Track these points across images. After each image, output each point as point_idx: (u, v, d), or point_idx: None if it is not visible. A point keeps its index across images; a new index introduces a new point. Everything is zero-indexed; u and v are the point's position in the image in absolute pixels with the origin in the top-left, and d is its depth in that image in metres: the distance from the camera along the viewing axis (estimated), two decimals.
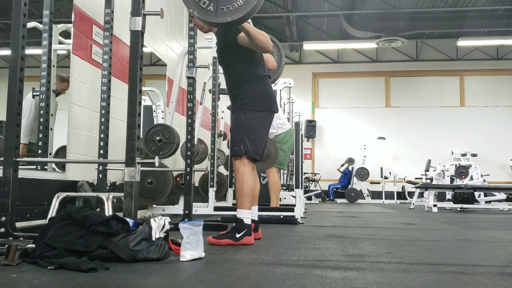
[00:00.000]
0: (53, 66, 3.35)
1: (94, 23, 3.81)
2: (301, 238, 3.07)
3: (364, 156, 11.78)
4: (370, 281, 1.63)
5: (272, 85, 3.33)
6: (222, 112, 6.45)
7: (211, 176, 4.42)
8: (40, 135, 3.24)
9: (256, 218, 2.95)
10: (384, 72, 13.48)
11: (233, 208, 3.83)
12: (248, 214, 2.68)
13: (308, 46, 12.70)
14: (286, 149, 4.98)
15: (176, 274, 1.74)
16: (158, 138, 3.81)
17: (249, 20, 2.68)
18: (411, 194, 11.00)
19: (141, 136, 2.34)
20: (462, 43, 12.00)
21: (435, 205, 7.17)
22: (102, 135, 3.38)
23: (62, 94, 3.50)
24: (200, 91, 5.51)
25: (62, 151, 3.51)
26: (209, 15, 2.33)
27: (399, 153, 13.04)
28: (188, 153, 3.34)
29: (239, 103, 2.78)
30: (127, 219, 2.06)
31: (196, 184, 5.39)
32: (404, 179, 11.67)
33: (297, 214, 4.23)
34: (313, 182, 12.48)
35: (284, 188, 7.38)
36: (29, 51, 2.46)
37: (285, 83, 6.91)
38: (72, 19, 3.53)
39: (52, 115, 3.32)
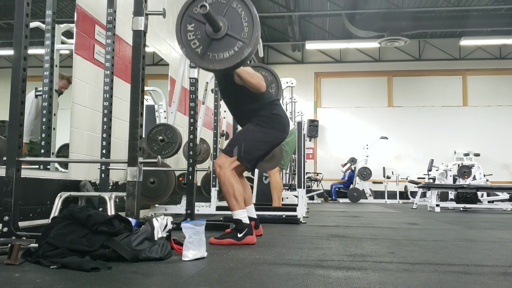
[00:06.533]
0: (56, 66, 3.36)
1: (97, 23, 3.81)
2: (303, 237, 3.07)
3: (367, 156, 11.76)
4: (372, 281, 1.63)
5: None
6: (225, 111, 6.44)
7: (213, 175, 4.43)
8: (43, 135, 3.25)
9: (255, 216, 2.98)
10: (386, 72, 13.45)
11: None
12: (244, 213, 2.66)
13: (310, 45, 12.68)
14: (288, 149, 4.97)
15: (179, 274, 1.74)
16: (160, 137, 3.81)
17: None
18: (413, 194, 10.96)
19: (143, 136, 2.35)
20: (465, 42, 11.97)
21: (437, 205, 7.14)
22: (104, 135, 3.38)
23: (62, 92, 3.50)
24: (203, 91, 5.51)
25: (64, 149, 3.51)
26: (195, 57, 2.33)
27: (401, 153, 13.01)
28: (191, 152, 3.34)
29: (252, 121, 2.78)
30: (130, 219, 2.07)
31: (198, 184, 5.39)
32: (407, 178, 11.64)
33: (299, 214, 4.23)
34: (316, 182, 12.48)
35: (287, 188, 7.37)
36: (32, 51, 2.47)
37: (287, 82, 6.89)
38: (75, 19, 3.54)
39: (54, 115, 3.33)
